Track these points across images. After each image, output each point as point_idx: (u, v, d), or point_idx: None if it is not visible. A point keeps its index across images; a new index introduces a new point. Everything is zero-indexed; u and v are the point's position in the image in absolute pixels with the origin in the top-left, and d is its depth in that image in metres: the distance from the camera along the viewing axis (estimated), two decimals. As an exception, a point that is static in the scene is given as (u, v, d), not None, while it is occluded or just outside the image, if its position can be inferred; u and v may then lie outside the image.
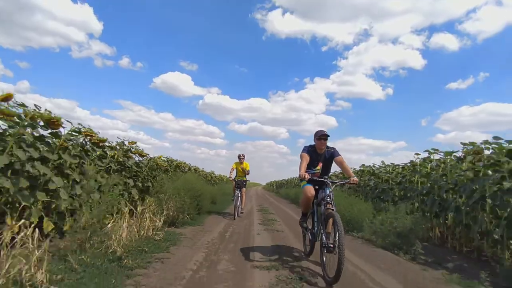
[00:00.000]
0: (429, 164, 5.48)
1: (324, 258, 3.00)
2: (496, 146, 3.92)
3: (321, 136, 3.59)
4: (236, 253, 3.79)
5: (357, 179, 3.50)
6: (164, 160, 7.80)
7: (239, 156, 7.75)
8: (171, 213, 5.27)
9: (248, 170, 7.73)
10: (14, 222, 2.59)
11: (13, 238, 2.37)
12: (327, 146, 3.70)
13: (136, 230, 3.73)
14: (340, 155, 3.72)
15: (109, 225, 3.38)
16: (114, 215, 3.80)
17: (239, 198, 7.33)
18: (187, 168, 10.49)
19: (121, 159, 4.83)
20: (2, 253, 2.27)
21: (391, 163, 7.95)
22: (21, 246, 2.27)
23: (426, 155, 5.54)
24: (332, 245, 2.90)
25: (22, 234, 2.33)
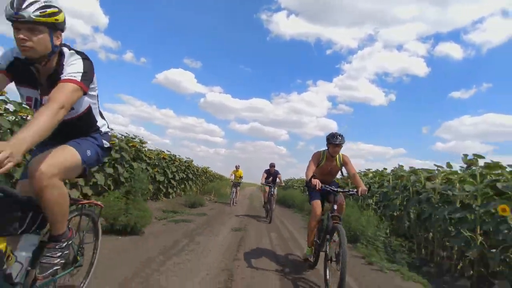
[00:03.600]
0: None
1: (267, 214, 7.95)
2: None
3: (271, 166, 8.88)
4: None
5: (283, 184, 9.65)
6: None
7: (236, 166, 11.65)
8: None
9: (241, 176, 11.81)
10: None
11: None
12: (275, 169, 8.88)
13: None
14: (279, 174, 8.83)
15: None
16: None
17: (235, 193, 11.21)
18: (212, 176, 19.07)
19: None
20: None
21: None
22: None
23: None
24: (268, 209, 7.79)
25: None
